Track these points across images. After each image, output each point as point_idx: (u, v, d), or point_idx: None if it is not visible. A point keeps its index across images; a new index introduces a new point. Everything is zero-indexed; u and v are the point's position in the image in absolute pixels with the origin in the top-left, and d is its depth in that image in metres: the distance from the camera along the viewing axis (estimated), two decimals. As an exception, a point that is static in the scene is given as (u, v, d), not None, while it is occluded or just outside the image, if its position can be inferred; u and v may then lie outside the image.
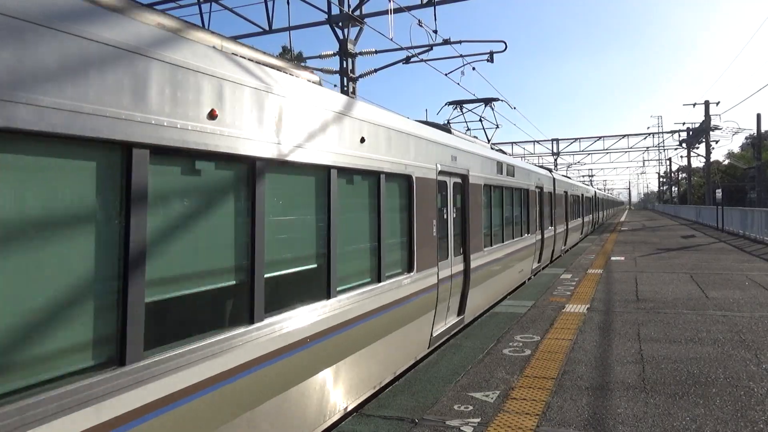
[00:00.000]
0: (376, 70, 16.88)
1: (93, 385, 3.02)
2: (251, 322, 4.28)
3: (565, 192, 24.19)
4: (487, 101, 17.34)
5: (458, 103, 17.82)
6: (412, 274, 7.18)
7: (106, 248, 3.22)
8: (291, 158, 4.76)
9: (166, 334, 3.62)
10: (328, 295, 5.32)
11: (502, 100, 17.79)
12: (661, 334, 8.35)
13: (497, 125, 18.56)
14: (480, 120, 17.95)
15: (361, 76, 16.27)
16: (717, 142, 49.56)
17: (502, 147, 61.92)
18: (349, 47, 15.49)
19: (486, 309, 10.86)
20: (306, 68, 5.84)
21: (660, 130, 66.62)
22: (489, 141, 16.89)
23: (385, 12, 15.18)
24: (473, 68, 17.89)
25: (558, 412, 5.36)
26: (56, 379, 2.93)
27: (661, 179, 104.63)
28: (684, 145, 56.96)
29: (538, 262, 16.61)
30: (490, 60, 16.75)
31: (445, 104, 17.93)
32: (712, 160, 51.64)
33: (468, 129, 18.39)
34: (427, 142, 7.83)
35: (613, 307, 10.44)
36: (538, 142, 60.98)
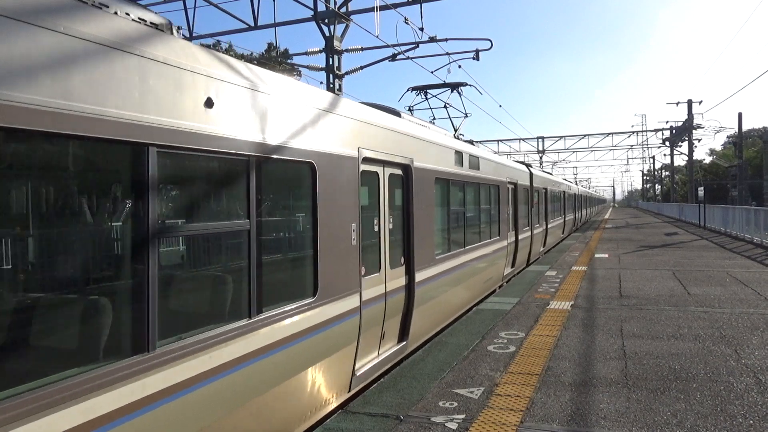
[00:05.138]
0: (362, 67, 16.85)
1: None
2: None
3: (545, 189, 22.38)
4: (454, 86, 15.91)
5: (422, 89, 16.06)
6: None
7: None
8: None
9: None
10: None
11: (470, 85, 16.42)
12: (644, 330, 8.45)
13: (466, 114, 17.05)
14: (445, 107, 16.48)
15: (347, 73, 16.24)
16: (700, 140, 50.23)
17: (487, 144, 61.88)
18: (335, 44, 15.46)
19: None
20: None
21: (644, 129, 67.28)
22: (456, 131, 15.53)
23: (372, 9, 15.16)
24: (459, 66, 17.97)
25: (542, 408, 5.41)
26: None
27: (644, 177, 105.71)
28: (667, 143, 57.56)
29: (512, 267, 15.23)
30: (476, 58, 16.78)
31: (408, 90, 16.18)
32: (695, 158, 52.23)
33: (433, 118, 16.45)
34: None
35: (597, 304, 10.54)
36: (523, 139, 61.33)
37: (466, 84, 15.97)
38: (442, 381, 6.25)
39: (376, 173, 6.72)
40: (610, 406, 5.42)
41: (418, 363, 6.97)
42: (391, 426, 5.05)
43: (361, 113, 6.39)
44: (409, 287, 7.52)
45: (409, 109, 15.83)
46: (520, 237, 16.03)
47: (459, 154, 10.28)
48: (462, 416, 5.23)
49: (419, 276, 7.75)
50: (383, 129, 6.90)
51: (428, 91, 16.00)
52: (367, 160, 6.37)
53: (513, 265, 15.48)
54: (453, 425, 5.03)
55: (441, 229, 9.38)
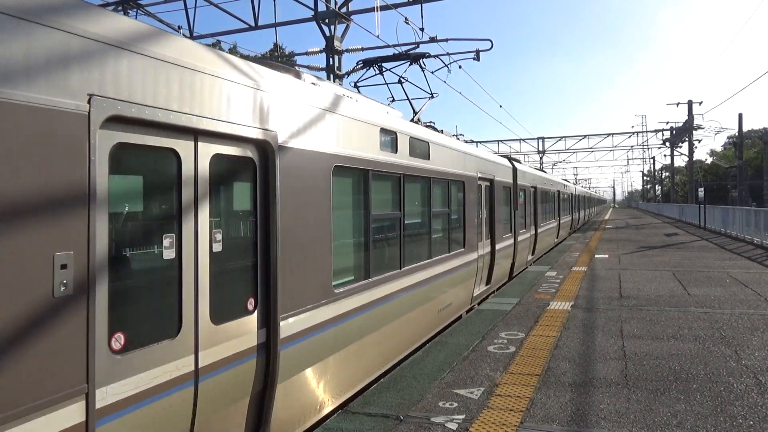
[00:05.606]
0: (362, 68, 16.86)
1: None
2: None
3: (534, 188, 19.33)
4: (415, 58, 12.11)
5: (375, 62, 12.20)
6: None
7: None
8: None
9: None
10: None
11: (435, 57, 13.00)
12: (644, 331, 8.45)
13: (432, 94, 12.70)
14: (399, 81, 12.33)
15: (347, 73, 16.25)
16: (700, 141, 50.26)
17: (488, 145, 61.68)
18: (335, 44, 15.48)
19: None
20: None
21: (644, 129, 67.37)
22: (416, 113, 11.37)
23: (372, 9, 15.18)
24: (459, 66, 17.95)
25: (542, 409, 5.41)
26: None
27: (645, 178, 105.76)
28: (667, 144, 57.62)
29: (487, 284, 12.53)
30: (477, 58, 16.77)
31: (357, 64, 12.53)
32: (695, 158, 52.26)
33: (392, 99, 13.04)
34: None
35: (597, 305, 10.54)
36: (524, 140, 61.39)
37: (430, 55, 12.52)
38: (442, 381, 6.25)
39: (171, 151, 3.87)
40: (610, 407, 5.42)
41: (418, 363, 6.97)
42: (391, 426, 5.05)
43: (100, 26, 3.29)
44: (269, 347, 4.75)
45: (355, 85, 12.37)
46: (498, 246, 13.10)
47: (390, 135, 7.26)
48: (462, 416, 5.23)
49: (290, 327, 4.97)
50: (184, 69, 3.87)
51: (383, 64, 12.13)
52: (127, 123, 3.48)
53: (489, 282, 12.51)
54: (453, 425, 5.03)
55: (350, 245, 6.52)
